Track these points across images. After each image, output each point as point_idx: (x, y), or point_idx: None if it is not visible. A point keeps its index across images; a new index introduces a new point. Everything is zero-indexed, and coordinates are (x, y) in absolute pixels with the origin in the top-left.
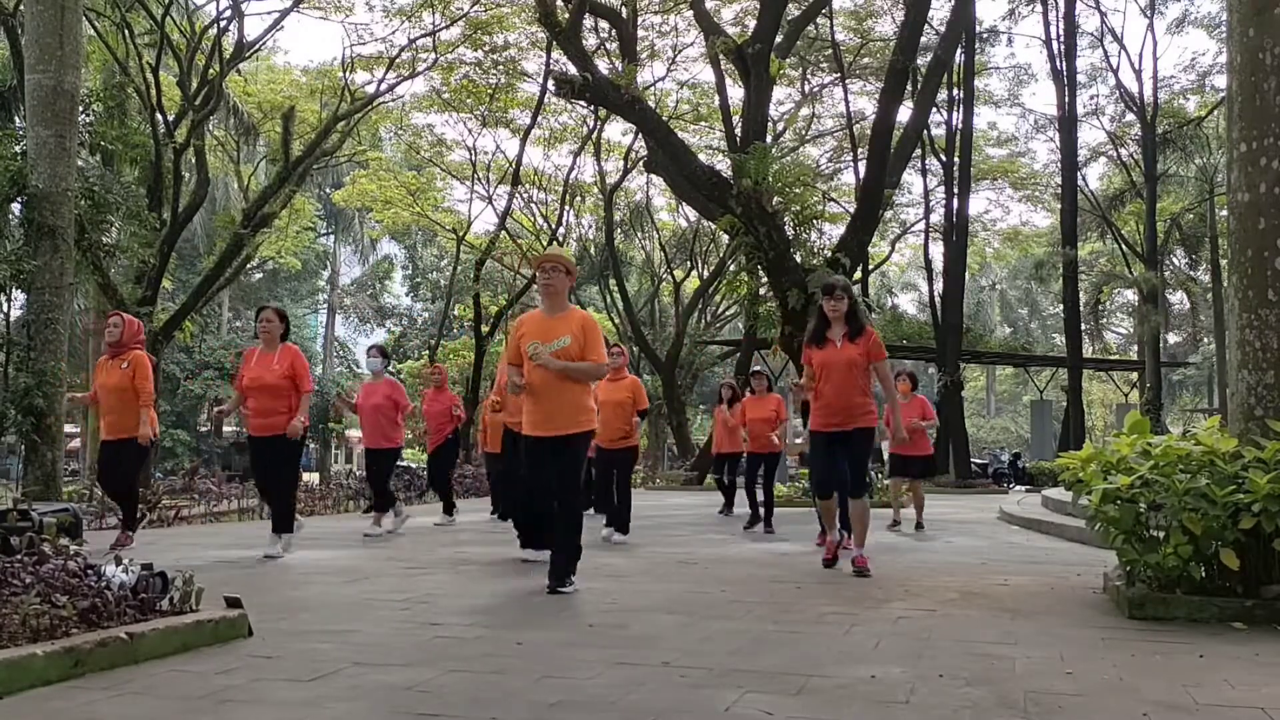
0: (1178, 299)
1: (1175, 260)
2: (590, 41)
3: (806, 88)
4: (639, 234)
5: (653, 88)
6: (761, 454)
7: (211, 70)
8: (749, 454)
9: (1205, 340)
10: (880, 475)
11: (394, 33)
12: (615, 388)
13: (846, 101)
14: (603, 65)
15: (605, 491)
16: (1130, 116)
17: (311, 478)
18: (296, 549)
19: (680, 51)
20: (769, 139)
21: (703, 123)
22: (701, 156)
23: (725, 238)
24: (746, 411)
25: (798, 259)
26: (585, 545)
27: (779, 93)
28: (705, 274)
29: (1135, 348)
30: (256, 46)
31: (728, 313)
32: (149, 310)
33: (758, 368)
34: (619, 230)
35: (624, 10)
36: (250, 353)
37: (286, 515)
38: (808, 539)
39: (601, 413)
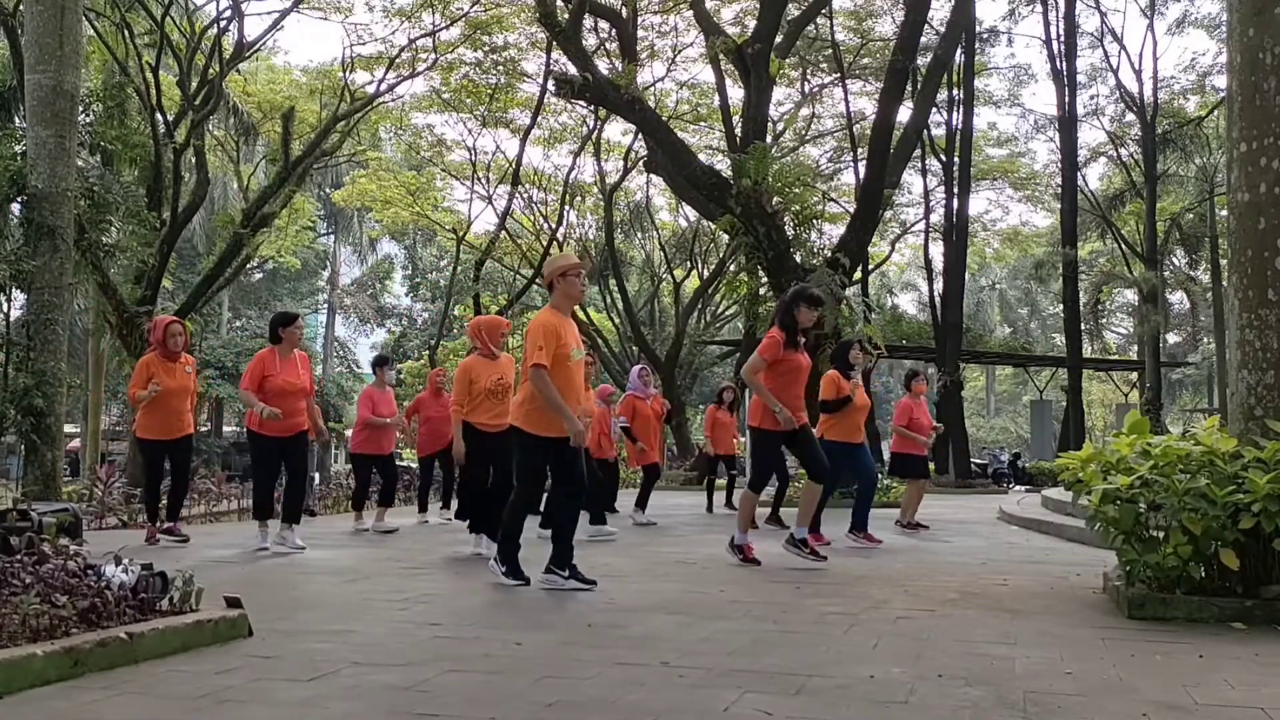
0: (1178, 299)
1: (1175, 260)
2: (590, 41)
3: (806, 88)
4: (639, 234)
5: (653, 88)
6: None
7: (211, 70)
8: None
9: (1205, 340)
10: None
11: (394, 33)
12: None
13: (846, 101)
14: (603, 65)
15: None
16: (1130, 116)
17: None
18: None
19: (680, 51)
20: (769, 139)
21: (703, 123)
22: (701, 156)
23: (725, 238)
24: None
25: (798, 259)
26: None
27: (779, 93)
28: (705, 274)
29: (1135, 348)
30: (256, 46)
31: (728, 313)
32: (149, 310)
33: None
34: (619, 230)
35: (624, 10)
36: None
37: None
38: None
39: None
